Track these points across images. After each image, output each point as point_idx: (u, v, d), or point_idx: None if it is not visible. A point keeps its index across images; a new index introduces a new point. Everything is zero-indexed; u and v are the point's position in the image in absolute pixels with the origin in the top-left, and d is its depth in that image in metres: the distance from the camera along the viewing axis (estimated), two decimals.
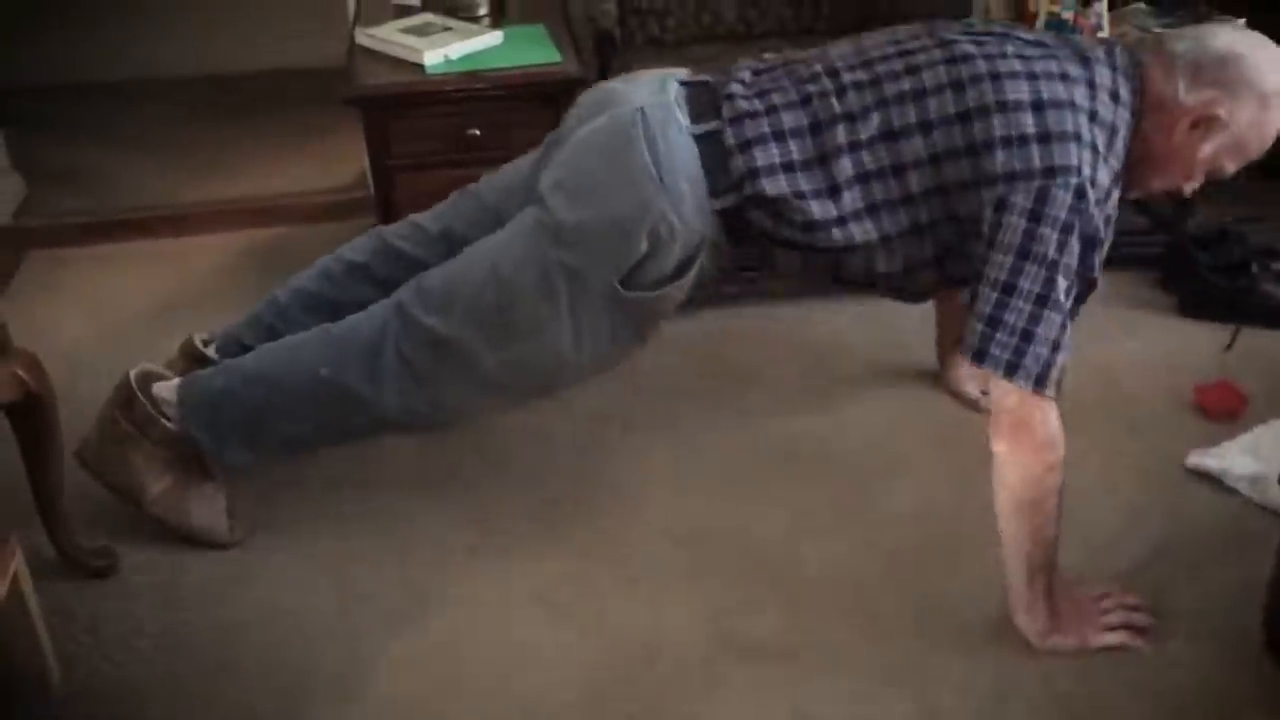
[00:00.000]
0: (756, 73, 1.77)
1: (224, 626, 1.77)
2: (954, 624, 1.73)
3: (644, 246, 1.66)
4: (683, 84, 1.76)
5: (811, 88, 1.69)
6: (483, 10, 2.60)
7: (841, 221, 1.67)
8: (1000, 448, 1.59)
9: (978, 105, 1.60)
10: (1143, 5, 2.76)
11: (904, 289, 1.80)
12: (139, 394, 1.85)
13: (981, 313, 1.59)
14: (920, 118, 1.62)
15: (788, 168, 1.66)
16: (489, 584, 1.83)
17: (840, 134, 1.65)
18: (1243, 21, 2.63)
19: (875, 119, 1.64)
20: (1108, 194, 1.63)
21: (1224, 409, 2.15)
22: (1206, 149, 1.68)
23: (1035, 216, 1.56)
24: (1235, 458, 1.98)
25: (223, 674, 1.69)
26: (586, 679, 1.67)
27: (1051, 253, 1.56)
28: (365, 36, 2.47)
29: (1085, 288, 1.63)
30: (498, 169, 1.97)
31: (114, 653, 1.72)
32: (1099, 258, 1.63)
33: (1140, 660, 1.67)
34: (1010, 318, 1.56)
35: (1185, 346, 2.37)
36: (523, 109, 2.33)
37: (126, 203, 3.05)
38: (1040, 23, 2.47)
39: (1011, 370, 1.57)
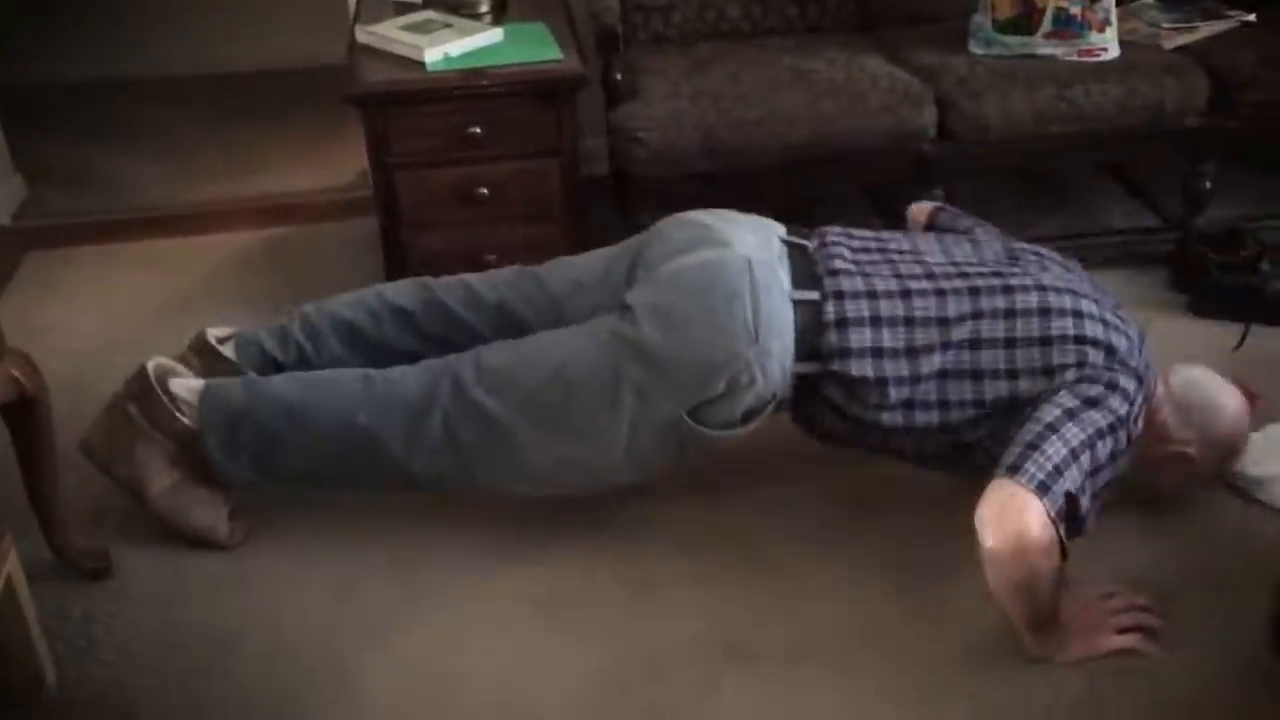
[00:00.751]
0: (854, 250, 1.84)
1: (220, 630, 1.75)
2: (958, 634, 1.71)
3: (721, 389, 1.71)
4: (784, 242, 1.83)
5: (912, 284, 1.77)
6: (484, 7, 2.58)
7: (909, 406, 1.74)
8: (990, 541, 1.55)
9: (1059, 334, 1.73)
10: (1150, 1, 2.74)
11: (938, 466, 1.87)
12: (157, 387, 1.83)
13: (1022, 440, 1.61)
14: (1007, 334, 1.74)
15: (877, 353, 1.73)
16: (491, 590, 1.82)
17: (934, 333, 1.74)
18: (1252, 16, 2.60)
19: (968, 326, 1.74)
20: (1130, 443, 1.71)
21: None
22: (1172, 474, 1.85)
23: (1091, 403, 1.66)
24: (1243, 459, 1.94)
25: (218, 678, 1.67)
26: (587, 687, 1.65)
27: (1091, 431, 1.62)
28: (366, 34, 2.45)
29: (1106, 486, 1.68)
30: (564, 258, 1.99)
31: (108, 655, 1.71)
32: (1104, 483, 1.67)
33: (1149, 667, 1.64)
34: (1049, 449, 1.59)
35: (1195, 345, 2.34)
36: (524, 107, 2.31)
37: (128, 202, 3.05)
38: (1047, 18, 2.44)
39: (1015, 470, 1.56)
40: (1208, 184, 2.53)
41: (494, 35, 2.41)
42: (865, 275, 1.78)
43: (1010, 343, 1.73)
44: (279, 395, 1.81)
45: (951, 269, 1.81)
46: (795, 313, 1.74)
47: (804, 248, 1.84)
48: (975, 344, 1.73)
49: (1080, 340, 1.72)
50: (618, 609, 1.78)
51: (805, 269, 1.79)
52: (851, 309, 1.74)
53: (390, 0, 2.66)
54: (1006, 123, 2.40)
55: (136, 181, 3.15)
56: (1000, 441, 1.68)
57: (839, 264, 1.79)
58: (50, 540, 1.79)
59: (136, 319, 2.58)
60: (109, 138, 3.40)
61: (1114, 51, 2.47)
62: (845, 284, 1.76)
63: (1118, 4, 2.49)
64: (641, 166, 2.33)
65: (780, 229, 1.88)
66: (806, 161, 2.37)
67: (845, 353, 1.72)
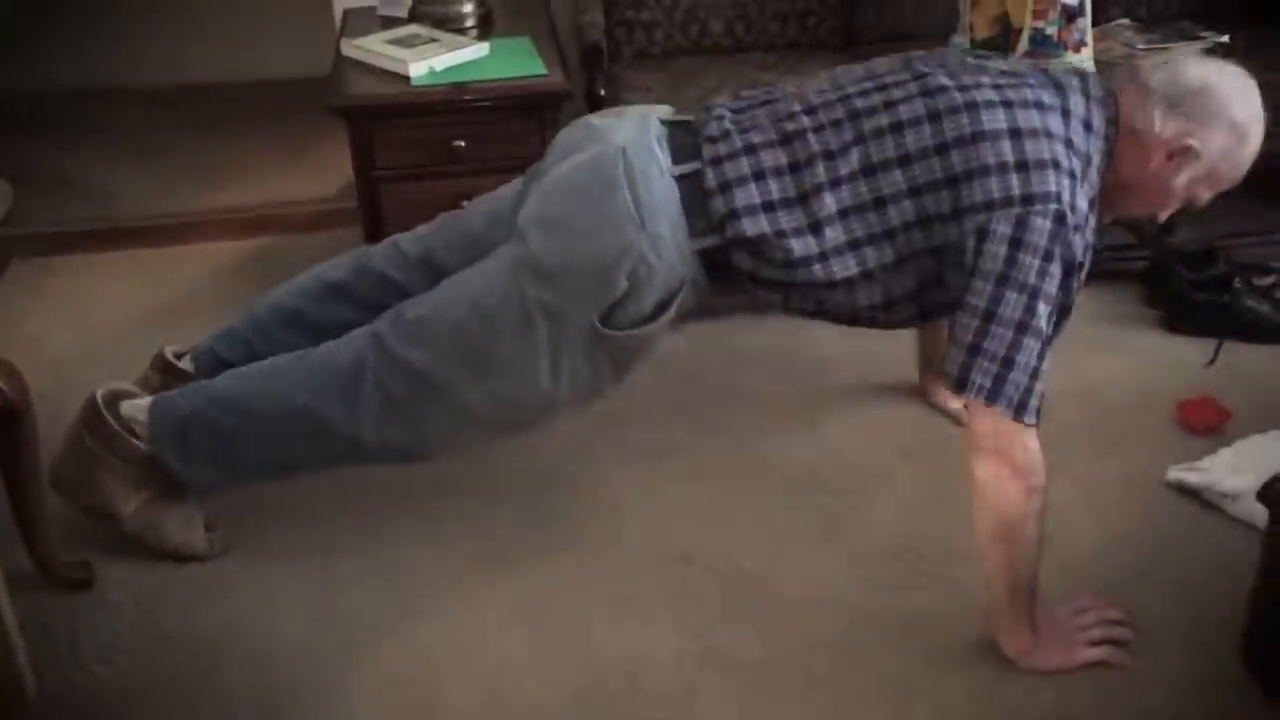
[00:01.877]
0: (736, 111, 1.77)
1: (202, 641, 1.76)
2: (934, 644, 1.73)
3: (624, 286, 1.66)
4: (664, 123, 1.77)
5: (790, 125, 1.70)
6: (469, 22, 2.60)
7: (823, 257, 1.67)
8: (981, 473, 1.60)
9: (955, 136, 1.61)
10: (1126, 22, 2.78)
11: (884, 322, 1.79)
12: (105, 413, 1.83)
13: (962, 341, 1.59)
14: (899, 151, 1.63)
15: (768, 207, 1.67)
16: (473, 602, 1.83)
17: (820, 171, 1.66)
18: (1225, 38, 2.65)
19: (854, 154, 1.65)
20: (1086, 219, 1.64)
21: (1206, 424, 2.16)
22: (1181, 179, 1.70)
23: (1016, 244, 1.57)
24: (1216, 473, 1.98)
25: (199, 690, 1.68)
26: (568, 698, 1.66)
27: (1033, 279, 1.56)
28: (351, 47, 2.47)
29: (1063, 313, 1.64)
30: (483, 194, 1.96)
31: (90, 665, 1.72)
32: (1077, 283, 1.64)
33: (1121, 677, 1.67)
34: (991, 345, 1.57)
35: (1168, 361, 2.38)
36: (508, 121, 2.33)
37: (114, 211, 3.05)
38: (1024, 39, 2.48)
39: (992, 397, 1.57)
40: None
41: (479, 50, 2.43)
42: (743, 132, 1.71)
43: (904, 160, 1.62)
44: (220, 392, 1.81)
45: (833, 95, 1.71)
46: (679, 189, 1.68)
47: (687, 123, 1.77)
48: (868, 171, 1.64)
49: (979, 137, 1.59)
50: (595, 620, 1.79)
51: (688, 144, 1.72)
52: (731, 170, 1.67)
53: (376, 14, 2.68)
54: None
55: (121, 191, 3.15)
56: (937, 286, 1.67)
57: (714, 128, 1.72)
58: (33, 552, 1.79)
59: (118, 329, 2.58)
60: (94, 147, 3.39)
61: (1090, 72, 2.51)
62: (722, 147, 1.69)
63: (1093, 24, 2.53)
64: None
65: (664, 111, 1.82)
66: None
67: (734, 214, 1.66)
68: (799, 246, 1.66)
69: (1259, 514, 1.80)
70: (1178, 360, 2.37)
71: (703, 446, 2.16)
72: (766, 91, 1.82)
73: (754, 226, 1.66)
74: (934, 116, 1.63)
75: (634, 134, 1.72)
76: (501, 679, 1.69)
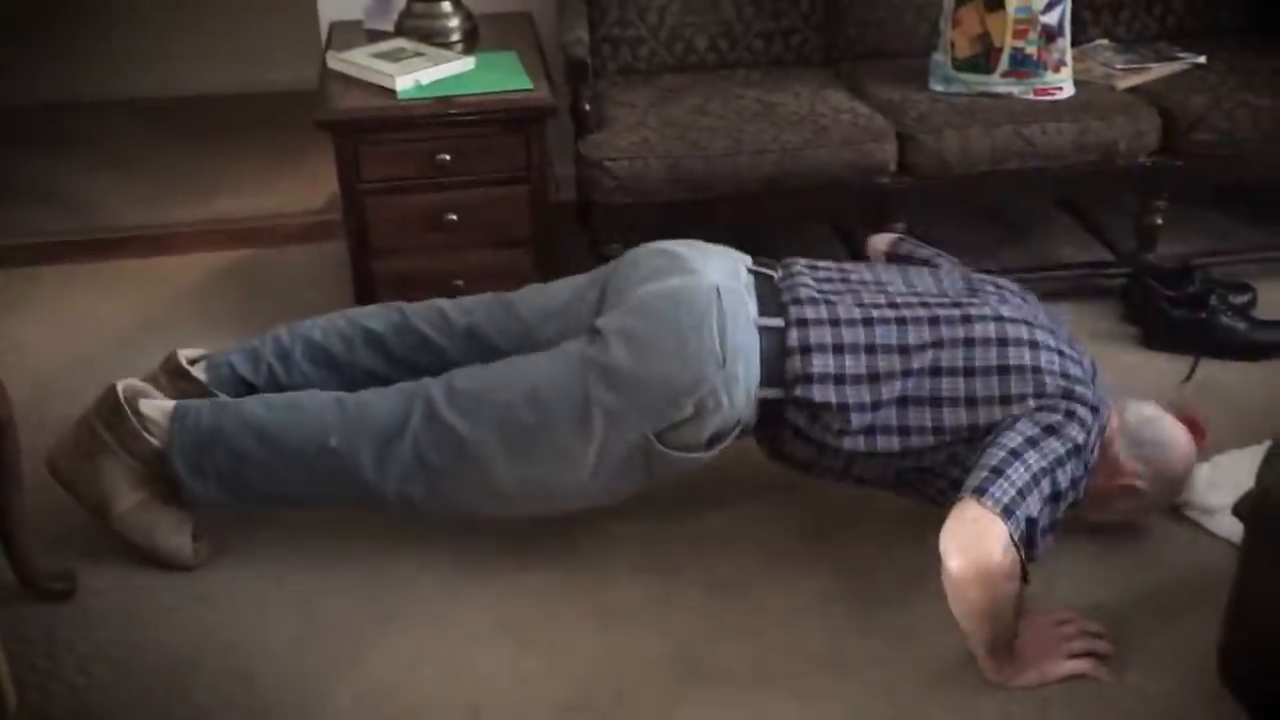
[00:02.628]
0: (818, 280, 1.89)
1: (183, 654, 1.75)
2: (916, 658, 1.74)
3: (689, 412, 1.75)
4: (751, 272, 1.88)
5: (875, 313, 1.83)
6: (455, 37, 2.61)
7: (871, 431, 1.78)
8: (954, 564, 1.60)
9: (1017, 364, 1.78)
10: (1105, 42, 2.82)
11: (890, 488, 1.91)
12: (126, 407, 1.84)
13: (985, 465, 1.66)
14: (966, 363, 1.79)
15: (839, 379, 1.77)
16: (454, 614, 1.83)
17: (895, 361, 1.79)
18: (1202, 59, 2.69)
19: (928, 355, 1.79)
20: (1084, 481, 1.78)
21: None
22: (1120, 503, 1.90)
23: (1050, 431, 1.71)
24: (1193, 489, 2.00)
25: (179, 703, 1.68)
26: (554, 713, 1.66)
27: (1051, 458, 1.68)
28: (337, 60, 2.47)
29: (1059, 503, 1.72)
30: (536, 285, 2.02)
31: (71, 676, 1.71)
32: (1061, 510, 1.73)
33: (1101, 692, 1.69)
34: (1013, 474, 1.64)
35: (1146, 378, 2.40)
36: (493, 135, 2.34)
37: (100, 222, 3.04)
38: (1004, 58, 2.51)
39: (980, 493, 1.61)
40: (1159, 220, 2.61)
41: (465, 64, 2.45)
42: (829, 303, 1.83)
43: (969, 371, 1.77)
44: (249, 417, 1.82)
45: (913, 299, 1.86)
46: (761, 339, 1.78)
47: (770, 277, 1.89)
48: (935, 371, 1.78)
49: (1037, 370, 1.77)
50: (580, 632, 1.80)
51: (771, 297, 1.84)
52: (815, 336, 1.78)
53: (362, 28, 2.69)
54: (965, 158, 2.46)
55: (105, 202, 3.14)
56: (959, 467, 1.74)
57: (803, 292, 1.84)
58: (13, 563, 1.79)
59: (101, 340, 2.58)
60: (80, 158, 3.38)
61: (1069, 91, 2.54)
62: (809, 312, 1.81)
63: (1073, 45, 2.57)
64: (608, 195, 2.37)
65: (747, 259, 1.93)
66: (770, 193, 2.42)
67: (808, 378, 1.76)
68: (857, 420, 1.77)
69: (1235, 529, 1.83)
70: (1154, 377, 2.40)
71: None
72: (842, 269, 1.95)
73: (823, 394, 1.77)
74: (1002, 342, 1.80)
75: (726, 276, 1.84)
76: (486, 693, 1.69)
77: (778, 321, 1.80)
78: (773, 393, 1.78)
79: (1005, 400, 1.76)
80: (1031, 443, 1.68)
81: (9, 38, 3.63)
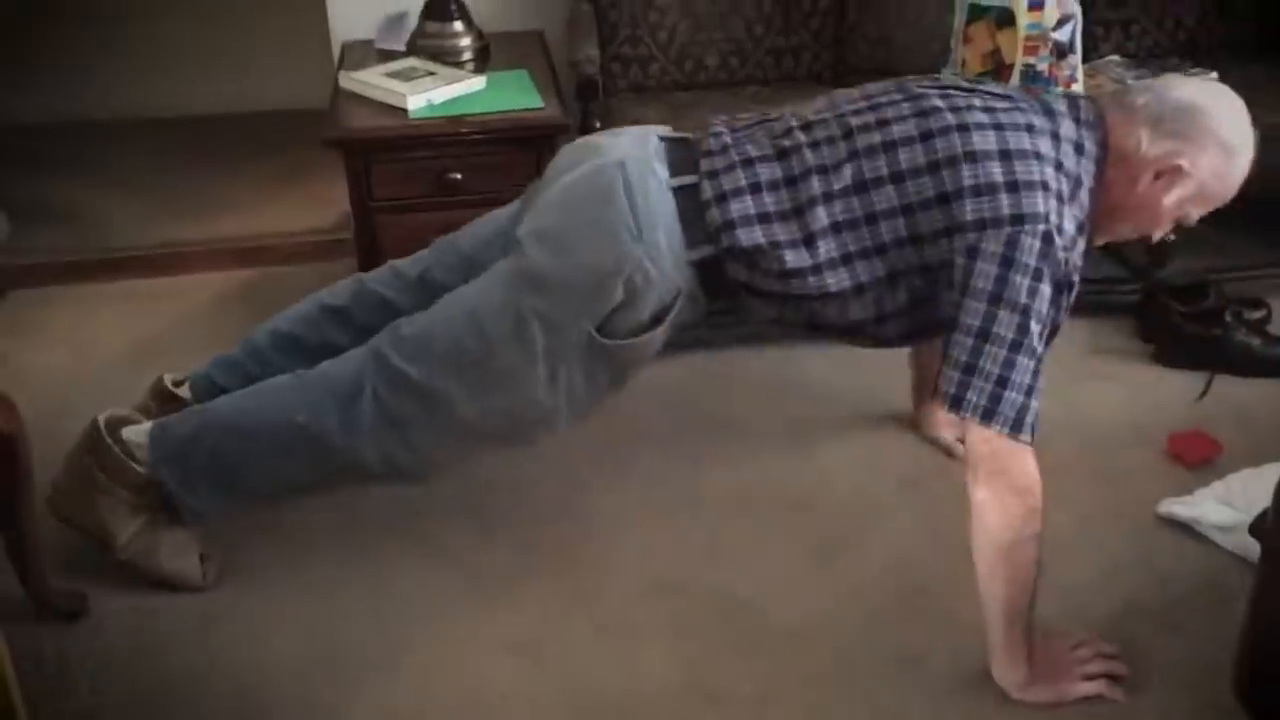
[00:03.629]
0: (734, 129, 1.80)
1: (194, 673, 1.75)
2: (928, 676, 1.73)
3: (620, 295, 1.69)
4: (663, 139, 1.80)
5: (786, 141, 1.73)
6: (467, 56, 2.62)
7: (817, 270, 1.69)
8: (979, 494, 1.60)
9: (946, 155, 1.64)
10: (1116, 58, 2.81)
11: (877, 337, 1.81)
12: (107, 438, 1.84)
13: (957, 360, 1.60)
14: (891, 168, 1.66)
15: (764, 219, 1.69)
16: (465, 634, 1.82)
17: (815, 185, 1.69)
18: (1214, 75, 2.68)
19: (848, 170, 1.68)
20: (1074, 241, 1.66)
21: (1198, 457, 2.16)
22: (1171, 198, 1.71)
23: (1007, 263, 1.59)
24: (1208, 506, 1.99)
25: None
26: None
27: (1024, 298, 1.58)
28: (349, 80, 2.49)
29: (1052, 332, 1.66)
30: (479, 218, 1.98)
31: (83, 695, 1.71)
32: (1067, 302, 1.66)
33: (1115, 711, 1.67)
34: (986, 364, 1.58)
35: (1160, 395, 2.39)
36: (504, 153, 2.35)
37: (111, 242, 3.04)
38: (1015, 75, 2.50)
39: (988, 416, 1.58)
40: (1171, 236, 2.58)
41: (476, 83, 2.45)
42: (739, 146, 1.74)
43: (896, 178, 1.65)
44: (218, 414, 1.82)
45: (829, 114, 1.75)
46: (676, 201, 1.71)
47: (685, 140, 1.81)
48: (860, 187, 1.67)
49: (970, 157, 1.62)
50: (588, 651, 1.79)
51: (685, 158, 1.76)
52: (728, 181, 1.70)
53: (374, 48, 2.70)
54: None
55: (117, 222, 3.15)
56: (928, 304, 1.69)
57: (713, 143, 1.76)
58: (25, 582, 1.79)
59: (112, 360, 2.58)
60: (91, 178, 3.39)
61: None
62: (719, 162, 1.73)
63: (1084, 61, 2.56)
64: None
65: (663, 129, 1.86)
66: None
67: (730, 225, 1.69)
68: (793, 258, 1.68)
69: (1251, 547, 1.81)
70: (1169, 394, 2.38)
71: (698, 475, 2.17)
72: (764, 113, 1.85)
73: (749, 237, 1.68)
74: (926, 135, 1.66)
75: (632, 148, 1.76)
76: (492, 713, 1.69)
77: (691, 178, 1.72)
78: (702, 251, 1.70)
79: (943, 199, 1.62)
80: (993, 300, 1.57)
81: (17, 56, 3.66)
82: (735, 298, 1.77)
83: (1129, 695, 1.69)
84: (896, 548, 1.98)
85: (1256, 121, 2.49)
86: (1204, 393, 2.37)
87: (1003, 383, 1.58)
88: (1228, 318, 2.45)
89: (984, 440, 1.60)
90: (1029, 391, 1.59)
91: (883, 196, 1.66)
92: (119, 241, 3.05)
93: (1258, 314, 2.54)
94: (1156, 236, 1.81)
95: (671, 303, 1.72)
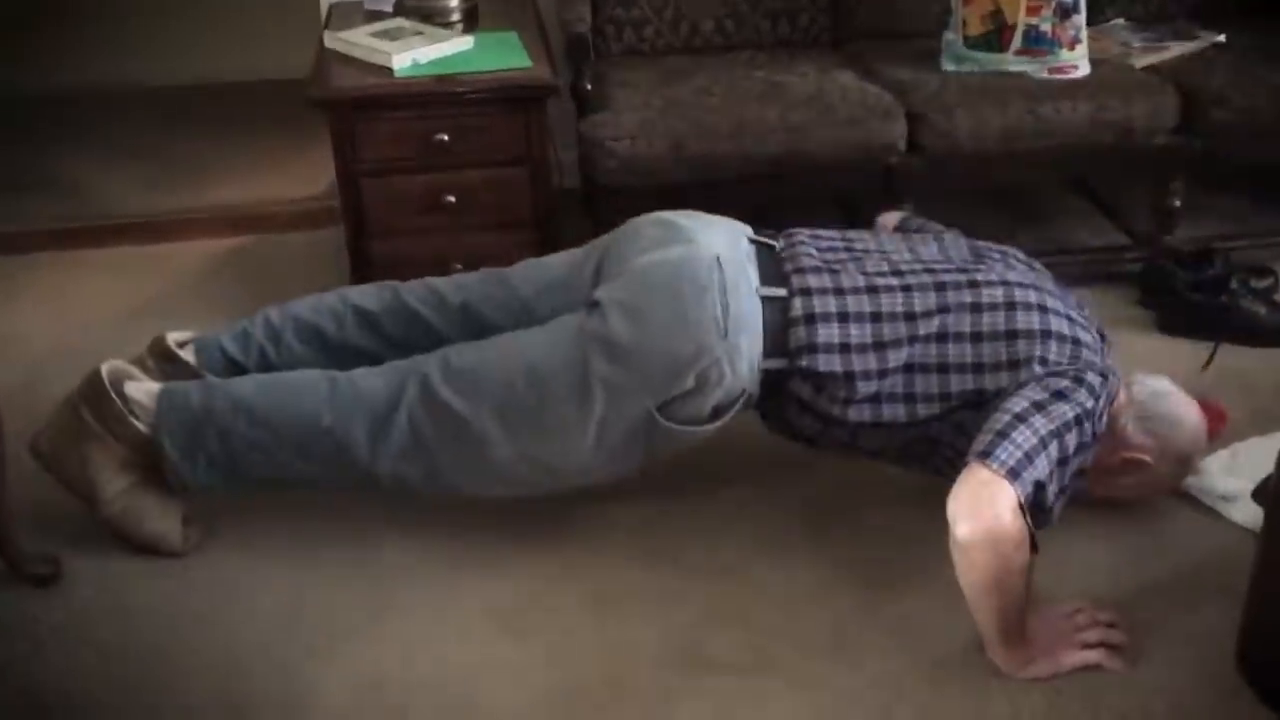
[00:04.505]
0: (821, 249, 1.84)
1: (170, 642, 1.71)
2: (924, 647, 1.68)
3: (690, 384, 1.70)
4: (752, 242, 1.83)
5: (879, 280, 1.77)
6: (455, 16, 2.57)
7: (877, 400, 1.74)
8: (961, 530, 1.54)
9: (1025, 328, 1.73)
10: (1123, 21, 2.75)
11: (895, 461, 1.87)
12: (110, 390, 1.79)
13: (991, 429, 1.61)
14: (973, 328, 1.74)
15: (844, 349, 1.72)
16: (447, 601, 1.78)
17: (901, 328, 1.74)
18: (1222, 37, 2.62)
19: (935, 321, 1.74)
20: (1091, 446, 1.71)
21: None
22: (1126, 480, 1.83)
23: (1058, 396, 1.65)
24: (1211, 476, 1.94)
25: (165, 691, 1.63)
26: (544, 702, 1.61)
27: (1059, 422, 1.62)
28: (334, 39, 2.43)
29: (1060, 490, 1.66)
30: (531, 260, 1.98)
31: (56, 660, 1.67)
32: (1070, 475, 1.67)
33: (1114, 683, 1.62)
34: (1019, 437, 1.59)
35: (1163, 364, 2.30)
36: (492, 115, 2.30)
37: (99, 209, 3.01)
38: (1018, 36, 2.45)
39: (989, 456, 1.56)
40: (1177, 202, 2.54)
41: (464, 43, 2.40)
42: (832, 272, 1.78)
43: (976, 337, 1.73)
44: (240, 397, 1.78)
45: (918, 265, 1.81)
46: (764, 309, 1.73)
47: (771, 247, 1.84)
48: (942, 338, 1.73)
49: (1046, 335, 1.73)
50: (576, 620, 1.75)
51: (773, 267, 1.79)
52: (819, 304, 1.74)
53: (362, 8, 2.65)
54: (976, 138, 2.40)
55: (104, 189, 3.11)
56: (965, 436, 1.68)
57: (806, 261, 1.79)
58: None
59: (96, 327, 2.54)
60: (82, 146, 3.36)
61: (1084, 69, 2.48)
62: (813, 281, 1.76)
63: (1089, 23, 2.50)
64: (611, 176, 2.32)
65: (748, 229, 1.88)
66: (776, 173, 2.36)
67: (813, 348, 1.72)
68: (863, 389, 1.72)
69: (1256, 517, 1.77)
70: (1173, 363, 2.31)
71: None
72: (846, 238, 1.90)
73: (829, 363, 1.72)
74: (1010, 306, 1.75)
75: (727, 245, 1.78)
76: (478, 683, 1.64)
77: (780, 291, 1.75)
78: (777, 363, 1.73)
79: (1013, 365, 1.71)
80: (1038, 407, 1.62)
81: (10, 27, 3.61)
82: (782, 408, 1.79)
83: (1128, 666, 1.64)
84: (893, 513, 1.93)
85: (1264, 84, 2.45)
86: (1209, 362, 2.31)
87: (1029, 458, 1.57)
88: (1234, 285, 2.39)
89: (974, 475, 1.56)
90: (1044, 476, 1.58)
91: (959, 351, 1.73)
92: (107, 209, 3.02)
93: (1264, 282, 2.48)
94: (1095, 494, 1.86)
95: (734, 402, 1.75)
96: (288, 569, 1.84)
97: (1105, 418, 1.74)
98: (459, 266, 2.32)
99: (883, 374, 1.72)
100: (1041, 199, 2.90)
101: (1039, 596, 1.67)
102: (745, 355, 1.71)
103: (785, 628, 1.73)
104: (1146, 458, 1.80)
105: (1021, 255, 1.92)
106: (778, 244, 1.85)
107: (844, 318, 1.73)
